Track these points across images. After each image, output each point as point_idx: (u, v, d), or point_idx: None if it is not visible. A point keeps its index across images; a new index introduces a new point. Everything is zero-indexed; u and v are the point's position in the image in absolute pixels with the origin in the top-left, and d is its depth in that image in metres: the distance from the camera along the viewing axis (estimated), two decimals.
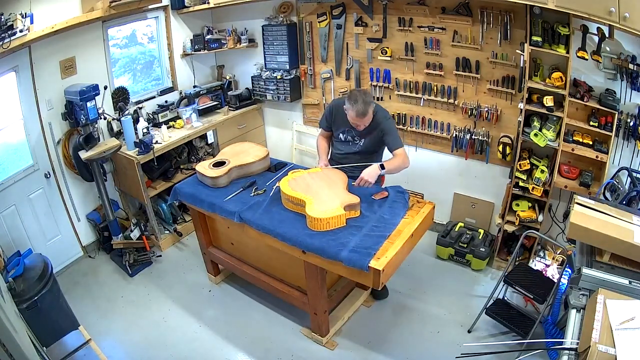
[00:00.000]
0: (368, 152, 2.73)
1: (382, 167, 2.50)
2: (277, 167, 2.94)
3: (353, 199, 2.32)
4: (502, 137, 3.05)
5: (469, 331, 2.69)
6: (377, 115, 2.61)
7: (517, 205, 2.99)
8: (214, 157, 3.19)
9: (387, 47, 3.29)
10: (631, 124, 2.50)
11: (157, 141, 3.45)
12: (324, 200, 2.32)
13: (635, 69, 2.39)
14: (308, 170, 2.67)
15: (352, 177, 2.60)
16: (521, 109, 2.70)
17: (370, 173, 2.47)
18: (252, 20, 3.96)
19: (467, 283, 3.12)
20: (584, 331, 1.52)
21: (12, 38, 2.58)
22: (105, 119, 3.37)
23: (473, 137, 3.15)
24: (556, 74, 2.54)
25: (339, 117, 2.71)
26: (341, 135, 2.77)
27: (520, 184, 2.86)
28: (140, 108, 3.72)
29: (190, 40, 4.02)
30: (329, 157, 2.92)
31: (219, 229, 3.01)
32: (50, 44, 2.99)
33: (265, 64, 4.00)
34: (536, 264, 2.94)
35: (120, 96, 3.58)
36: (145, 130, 3.44)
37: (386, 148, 2.73)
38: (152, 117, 3.78)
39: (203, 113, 3.97)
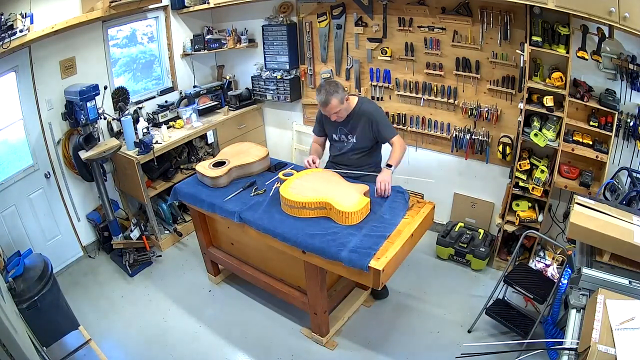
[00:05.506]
0: (363, 148, 2.71)
1: (389, 165, 2.51)
2: (277, 167, 2.93)
3: (364, 187, 2.40)
4: (502, 137, 3.05)
5: (469, 331, 2.69)
6: (361, 107, 2.63)
7: (517, 205, 2.99)
8: (214, 157, 3.19)
9: (387, 47, 3.29)
10: (631, 124, 2.50)
11: (157, 141, 3.45)
12: (343, 195, 2.33)
13: (635, 69, 2.39)
14: (296, 176, 2.58)
15: (348, 178, 2.59)
16: (521, 109, 2.70)
17: (384, 177, 2.45)
18: (252, 20, 3.96)
19: (467, 283, 3.12)
20: (584, 331, 1.52)
21: (12, 38, 2.58)
22: (105, 119, 3.37)
23: (473, 137, 3.15)
24: (556, 74, 2.54)
25: (328, 118, 2.72)
26: (334, 135, 2.78)
27: (520, 184, 2.86)
28: (140, 108, 3.73)
29: (190, 40, 4.02)
30: (328, 160, 2.94)
31: (219, 229, 3.01)
32: (50, 44, 2.99)
33: (265, 64, 4.00)
34: (536, 264, 2.94)
35: (120, 96, 3.57)
36: (145, 130, 3.44)
37: (387, 142, 2.68)
38: (152, 117, 3.78)
39: (203, 113, 3.97)
